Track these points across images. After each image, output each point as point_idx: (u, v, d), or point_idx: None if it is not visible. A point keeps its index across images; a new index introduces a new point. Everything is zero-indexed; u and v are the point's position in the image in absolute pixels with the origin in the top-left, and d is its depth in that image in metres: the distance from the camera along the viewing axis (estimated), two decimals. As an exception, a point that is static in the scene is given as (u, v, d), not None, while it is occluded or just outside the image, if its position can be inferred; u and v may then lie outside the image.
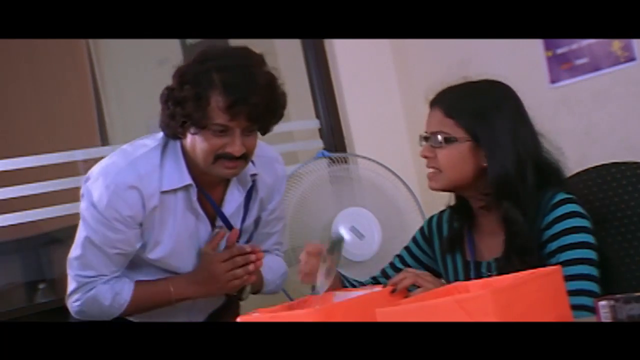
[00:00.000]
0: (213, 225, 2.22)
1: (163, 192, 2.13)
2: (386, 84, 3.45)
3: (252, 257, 2.18)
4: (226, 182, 2.21)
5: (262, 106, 2.04)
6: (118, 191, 2.09)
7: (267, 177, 2.28)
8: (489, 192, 2.00)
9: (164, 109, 2.10)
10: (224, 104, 2.01)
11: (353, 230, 2.72)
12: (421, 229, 2.23)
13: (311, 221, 2.74)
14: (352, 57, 3.38)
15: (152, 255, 2.17)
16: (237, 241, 2.23)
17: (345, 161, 2.93)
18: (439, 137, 2.01)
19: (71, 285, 2.20)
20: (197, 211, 2.18)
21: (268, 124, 2.12)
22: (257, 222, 2.32)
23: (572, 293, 1.83)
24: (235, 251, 2.17)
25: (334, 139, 3.37)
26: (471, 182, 2.02)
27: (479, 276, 2.04)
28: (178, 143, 2.15)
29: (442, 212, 2.20)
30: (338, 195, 2.80)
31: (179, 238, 2.17)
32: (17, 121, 3.53)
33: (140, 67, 3.90)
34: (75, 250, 2.18)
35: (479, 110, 2.00)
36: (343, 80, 3.36)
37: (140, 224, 2.13)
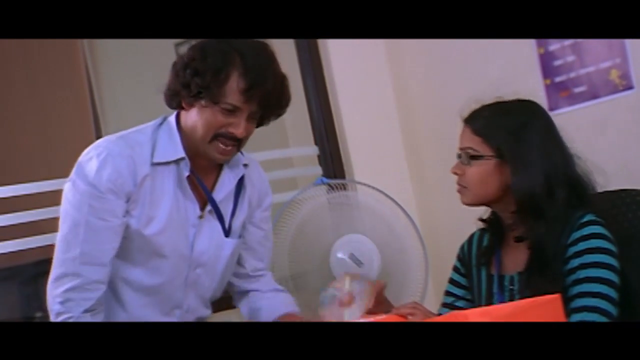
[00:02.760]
0: (203, 209, 2.23)
1: (154, 164, 2.15)
2: (385, 110, 3.46)
3: None
4: (219, 168, 2.25)
5: (274, 97, 2.13)
6: (109, 158, 2.11)
7: (254, 176, 2.34)
8: (514, 209, 2.06)
9: (176, 76, 2.13)
10: (242, 86, 2.08)
11: (352, 257, 2.71)
12: (457, 256, 2.29)
13: (310, 248, 2.73)
14: (351, 84, 3.39)
15: (148, 231, 2.16)
16: (227, 236, 2.26)
17: (345, 188, 2.93)
18: (467, 153, 2.08)
19: (55, 272, 2.11)
20: (186, 189, 2.19)
21: (271, 115, 2.19)
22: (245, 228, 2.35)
23: (587, 309, 1.87)
24: None
25: (333, 165, 3.37)
26: (498, 199, 2.09)
27: (501, 289, 2.10)
28: (173, 121, 2.20)
29: (472, 234, 2.27)
30: (337, 222, 2.79)
31: (171, 216, 2.18)
32: (15, 148, 3.53)
33: (140, 96, 3.91)
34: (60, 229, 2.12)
35: (506, 128, 2.06)
36: (342, 106, 3.36)
37: (128, 199, 2.13)
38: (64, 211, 2.15)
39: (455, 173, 2.12)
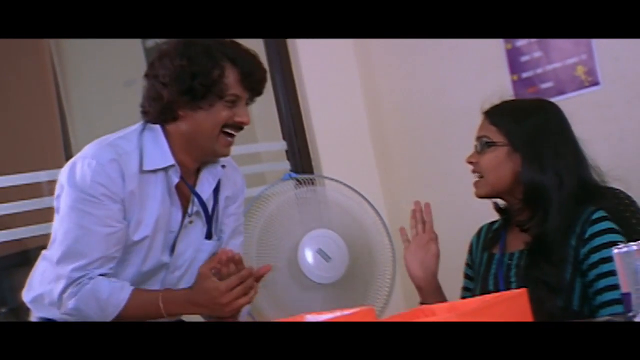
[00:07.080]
0: (184, 216, 2.24)
1: (143, 173, 2.15)
2: (354, 105, 3.46)
3: (254, 283, 2.18)
4: (197, 173, 2.27)
5: (264, 79, 2.24)
6: (99, 167, 2.11)
7: (237, 178, 2.40)
8: (522, 198, 2.11)
9: (169, 87, 2.14)
10: (238, 76, 2.16)
11: (320, 252, 2.71)
12: (469, 250, 2.32)
13: (278, 243, 2.72)
14: (319, 79, 3.39)
15: (136, 236, 2.16)
16: (209, 238, 2.28)
17: (313, 183, 2.93)
18: (482, 142, 2.14)
19: (60, 285, 2.11)
20: (174, 196, 2.20)
21: (255, 97, 2.26)
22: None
23: (619, 302, 1.90)
24: (237, 280, 2.14)
25: (301, 160, 3.37)
26: (509, 188, 2.13)
27: (501, 267, 2.15)
28: (158, 128, 2.20)
29: (481, 227, 2.31)
30: (305, 217, 2.79)
31: (158, 220, 2.18)
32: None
33: (106, 89, 3.88)
34: (59, 249, 2.13)
35: (521, 120, 2.13)
36: (311, 102, 3.36)
37: (123, 201, 2.13)
38: (66, 223, 2.13)
39: (470, 162, 2.17)
